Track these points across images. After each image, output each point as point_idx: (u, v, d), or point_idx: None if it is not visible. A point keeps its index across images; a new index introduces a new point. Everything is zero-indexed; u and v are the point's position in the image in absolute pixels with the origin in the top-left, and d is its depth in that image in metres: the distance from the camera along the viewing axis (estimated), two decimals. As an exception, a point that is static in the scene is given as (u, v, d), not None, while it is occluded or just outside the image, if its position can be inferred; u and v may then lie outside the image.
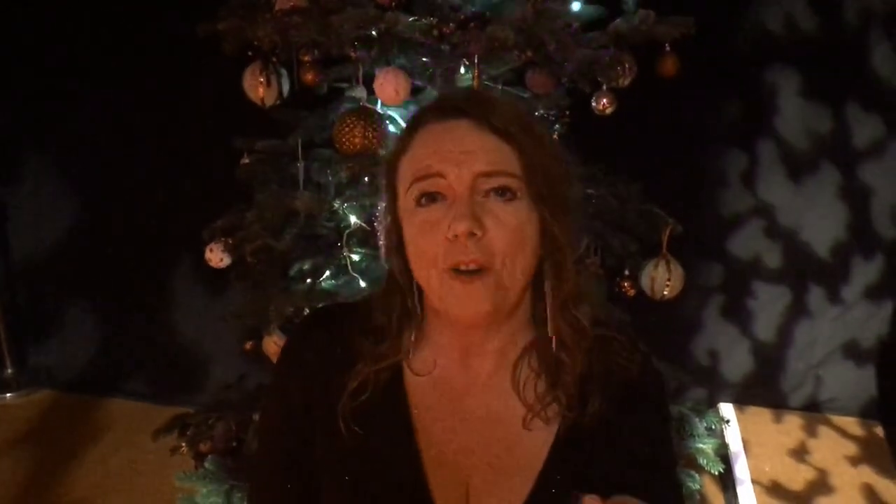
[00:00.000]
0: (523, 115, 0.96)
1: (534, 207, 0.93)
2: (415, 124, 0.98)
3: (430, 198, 0.93)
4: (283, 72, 2.08)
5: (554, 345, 0.98)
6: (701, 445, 2.30)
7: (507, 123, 0.92)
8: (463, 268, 0.90)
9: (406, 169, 0.96)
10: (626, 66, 1.99)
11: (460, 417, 1.01)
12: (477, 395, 1.02)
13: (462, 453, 1.00)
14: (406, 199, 0.95)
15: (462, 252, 0.90)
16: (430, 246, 0.92)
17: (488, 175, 0.91)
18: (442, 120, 0.95)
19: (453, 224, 0.89)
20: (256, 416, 2.24)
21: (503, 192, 0.92)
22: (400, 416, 1.01)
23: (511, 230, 0.91)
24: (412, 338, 1.03)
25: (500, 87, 2.07)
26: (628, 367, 1.01)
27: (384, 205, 1.03)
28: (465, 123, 0.93)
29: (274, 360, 2.16)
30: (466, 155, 0.91)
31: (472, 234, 0.89)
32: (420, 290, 1.00)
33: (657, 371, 1.07)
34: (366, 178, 1.99)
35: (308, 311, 2.07)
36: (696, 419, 2.38)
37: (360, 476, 1.00)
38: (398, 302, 1.02)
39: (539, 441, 0.99)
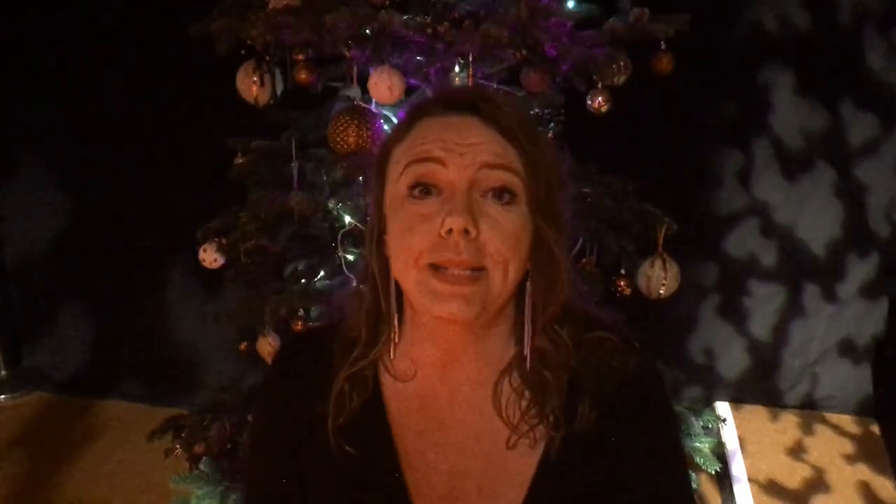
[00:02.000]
0: (526, 118, 0.93)
1: (530, 216, 0.89)
2: (416, 114, 0.94)
3: (424, 190, 0.89)
4: (277, 71, 2.08)
5: (528, 363, 0.94)
6: (697, 444, 2.30)
7: (512, 124, 0.89)
8: (452, 268, 0.86)
9: (401, 154, 0.92)
10: (622, 64, 1.98)
11: (443, 434, 0.97)
12: (459, 409, 0.97)
13: (447, 472, 0.96)
14: (398, 186, 0.91)
15: (453, 251, 0.85)
16: (416, 241, 0.87)
17: (492, 167, 0.87)
18: (446, 113, 0.92)
19: (448, 218, 0.84)
20: (251, 418, 2.23)
21: (502, 193, 0.88)
22: (380, 435, 0.97)
23: (506, 235, 0.87)
24: (394, 339, 0.98)
25: (494, 86, 2.06)
26: (621, 369, 0.95)
27: (370, 194, 0.98)
28: (471, 119, 0.90)
29: (269, 360, 2.16)
30: (470, 147, 0.87)
31: (466, 232, 0.84)
32: (399, 291, 0.96)
33: (654, 370, 1.01)
34: (360, 178, 1.99)
35: (302, 311, 2.06)
36: (693, 418, 2.38)
37: (343, 499, 0.97)
38: (370, 300, 0.98)
39: (525, 457, 0.95)
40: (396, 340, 0.98)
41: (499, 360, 0.97)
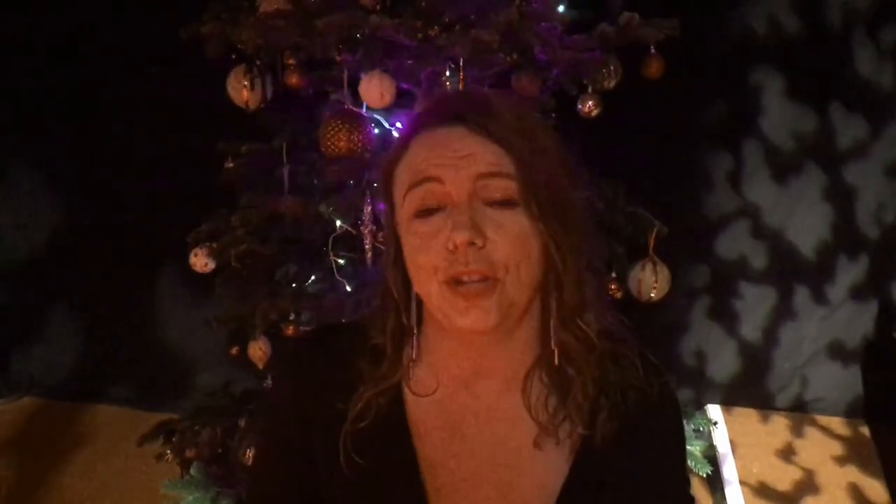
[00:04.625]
0: (524, 120, 0.92)
1: (533, 216, 0.88)
2: (411, 131, 0.94)
3: (429, 209, 0.89)
4: (268, 75, 2.07)
5: (556, 358, 0.94)
6: (689, 447, 2.31)
7: (504, 130, 0.88)
8: (465, 279, 0.86)
9: (402, 176, 0.92)
10: (612, 68, 1.99)
11: (466, 443, 0.97)
12: (483, 419, 0.97)
13: (470, 482, 0.96)
14: (403, 209, 0.91)
15: (462, 263, 0.86)
16: (429, 259, 0.88)
17: (488, 176, 0.87)
18: (438, 126, 0.91)
19: (452, 234, 0.85)
20: (242, 422, 2.23)
21: (504, 199, 0.88)
22: (401, 442, 0.97)
23: (513, 238, 0.87)
24: (412, 356, 0.98)
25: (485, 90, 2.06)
26: (644, 389, 0.97)
27: (384, 216, 0.98)
28: (462, 129, 0.89)
29: (260, 365, 2.16)
30: (463, 159, 0.87)
31: (471, 244, 0.85)
32: (419, 305, 0.97)
33: (673, 393, 1.03)
34: (351, 182, 1.98)
35: (293, 315, 2.06)
36: (684, 421, 2.38)
37: None
38: (393, 319, 0.98)
39: (551, 466, 0.95)
40: (414, 357, 0.99)
41: (525, 363, 0.97)
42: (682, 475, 1.05)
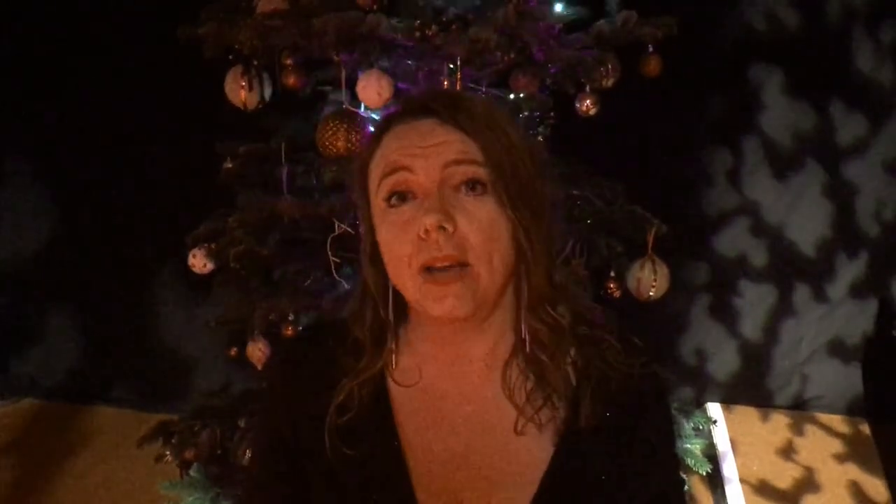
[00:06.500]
0: (492, 113, 0.95)
1: (502, 203, 0.90)
2: (383, 127, 0.97)
3: (401, 197, 0.92)
4: (266, 75, 2.07)
5: (528, 345, 0.96)
6: (688, 446, 2.31)
7: (472, 121, 0.91)
8: (439, 265, 0.88)
9: (375, 169, 0.95)
10: (610, 67, 1.99)
11: (449, 427, 0.99)
12: (466, 403, 0.99)
13: (453, 466, 0.97)
14: (377, 200, 0.94)
15: (435, 249, 0.87)
16: (402, 246, 0.90)
17: (457, 163, 0.90)
18: (409, 120, 0.94)
19: (422, 219, 0.87)
20: (242, 423, 2.22)
21: (473, 185, 0.90)
22: (386, 431, 0.99)
23: (484, 225, 0.89)
24: (393, 347, 1.01)
25: (482, 89, 2.06)
26: (626, 370, 0.98)
27: (359, 211, 1.01)
28: (432, 121, 0.92)
29: (259, 366, 2.15)
30: (433, 148, 0.90)
31: (442, 229, 0.87)
32: (399, 297, 0.98)
33: (656, 373, 1.03)
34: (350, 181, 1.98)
35: (292, 316, 2.06)
36: (684, 419, 2.39)
37: (349, 498, 0.98)
38: (370, 312, 1.00)
39: (535, 450, 0.96)
40: (394, 349, 1.01)
41: (504, 349, 0.99)
42: (669, 455, 1.07)
